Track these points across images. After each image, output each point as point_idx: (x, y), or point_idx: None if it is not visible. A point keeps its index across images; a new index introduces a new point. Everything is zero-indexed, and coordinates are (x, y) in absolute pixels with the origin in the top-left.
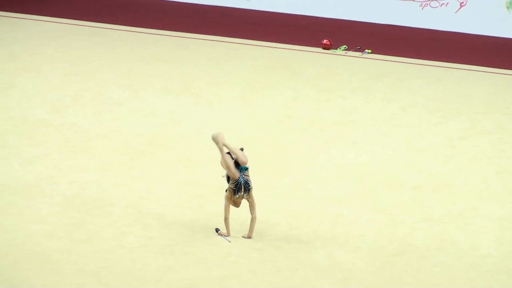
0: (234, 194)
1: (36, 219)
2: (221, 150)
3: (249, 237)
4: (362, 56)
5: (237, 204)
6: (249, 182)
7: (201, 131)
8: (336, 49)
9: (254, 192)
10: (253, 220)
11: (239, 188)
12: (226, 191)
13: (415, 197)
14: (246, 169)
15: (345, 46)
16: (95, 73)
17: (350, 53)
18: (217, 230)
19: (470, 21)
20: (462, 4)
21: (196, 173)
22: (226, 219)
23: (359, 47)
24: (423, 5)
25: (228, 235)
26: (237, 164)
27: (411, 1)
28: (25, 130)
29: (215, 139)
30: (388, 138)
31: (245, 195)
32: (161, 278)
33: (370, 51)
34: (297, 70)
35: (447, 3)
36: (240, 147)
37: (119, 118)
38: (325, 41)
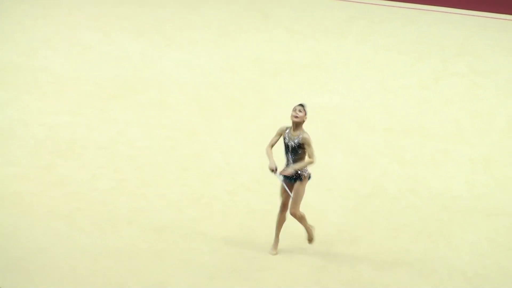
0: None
1: (7, 161)
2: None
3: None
4: None
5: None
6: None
7: (173, 74)
8: None
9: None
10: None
11: None
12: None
13: (387, 139)
14: None
15: None
16: (66, 16)
17: None
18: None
19: None
20: None
21: (168, 117)
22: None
23: None
24: None
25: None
26: None
27: None
28: None
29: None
30: (360, 80)
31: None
32: (132, 220)
33: None
34: (270, 12)
35: None
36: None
37: (90, 61)
38: None
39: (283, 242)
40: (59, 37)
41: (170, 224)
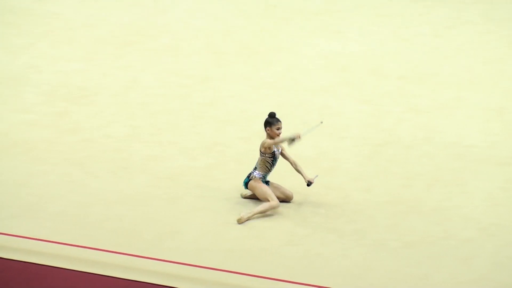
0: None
1: (21, 108)
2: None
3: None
4: None
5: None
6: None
7: (186, 20)
8: None
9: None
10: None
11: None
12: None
13: (400, 87)
14: None
15: None
16: None
17: None
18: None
19: None
20: None
21: (181, 63)
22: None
23: None
24: None
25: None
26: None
27: None
28: (11, 19)
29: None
30: (373, 28)
31: None
32: (146, 168)
33: None
34: None
35: None
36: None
37: (104, 7)
38: None
39: (296, 192)
40: None
41: (184, 172)
